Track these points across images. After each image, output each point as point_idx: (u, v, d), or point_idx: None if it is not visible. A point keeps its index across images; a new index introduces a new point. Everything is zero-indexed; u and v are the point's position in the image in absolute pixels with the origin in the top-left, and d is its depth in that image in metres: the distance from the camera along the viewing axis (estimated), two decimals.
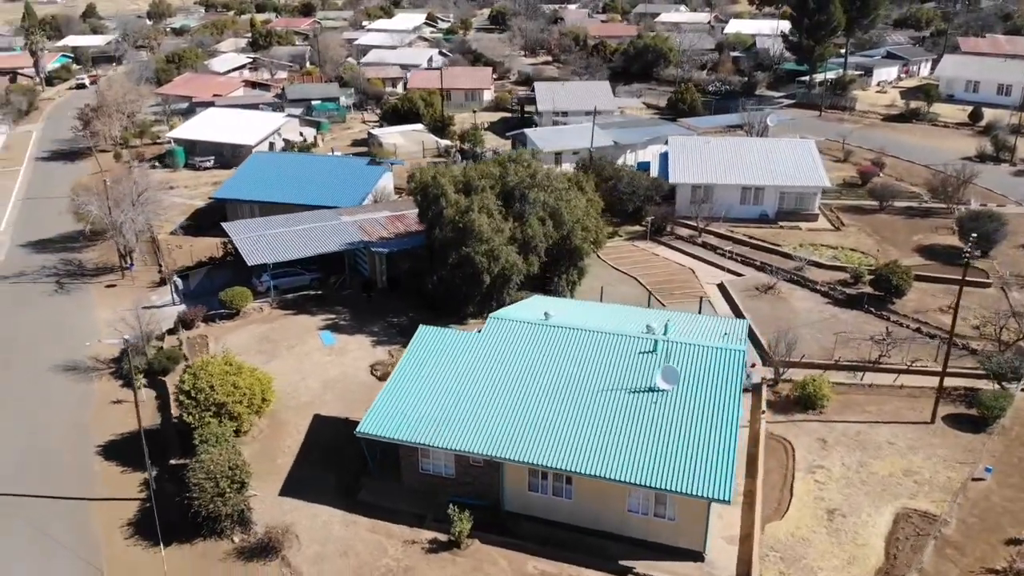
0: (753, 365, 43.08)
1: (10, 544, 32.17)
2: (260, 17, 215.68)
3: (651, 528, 31.20)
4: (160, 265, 58.50)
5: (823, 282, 53.10)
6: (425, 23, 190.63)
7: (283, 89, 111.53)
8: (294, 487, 34.57)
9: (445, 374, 35.33)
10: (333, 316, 49.58)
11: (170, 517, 32.45)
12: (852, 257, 56.79)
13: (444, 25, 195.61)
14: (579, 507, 31.95)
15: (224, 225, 55.99)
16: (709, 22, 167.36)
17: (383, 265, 52.22)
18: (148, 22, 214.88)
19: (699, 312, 46.80)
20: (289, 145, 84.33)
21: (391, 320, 48.58)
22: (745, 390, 41.44)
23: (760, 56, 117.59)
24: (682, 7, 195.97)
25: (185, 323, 48.53)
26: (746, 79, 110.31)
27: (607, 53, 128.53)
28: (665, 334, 36.31)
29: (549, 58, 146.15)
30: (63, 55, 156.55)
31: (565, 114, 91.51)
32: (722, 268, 56.60)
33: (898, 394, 41.63)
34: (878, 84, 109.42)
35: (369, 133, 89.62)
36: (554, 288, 49.25)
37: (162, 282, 55.75)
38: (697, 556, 30.58)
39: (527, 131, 79.10)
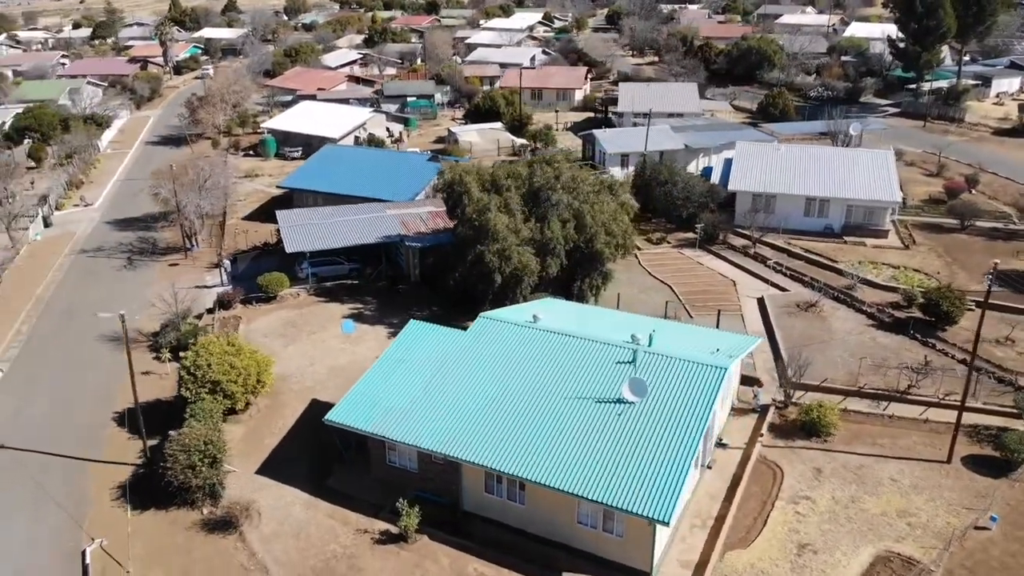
0: (760, 385, 41.05)
1: (12, 496, 35.09)
2: (385, 14, 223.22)
3: (600, 543, 30.44)
4: (220, 247, 61.82)
5: (872, 303, 49.83)
6: (540, 22, 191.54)
7: (382, 85, 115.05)
8: (271, 467, 35.93)
9: (421, 370, 35.70)
10: (360, 306, 50.97)
11: (157, 485, 34.35)
12: (912, 278, 52.93)
13: (561, 24, 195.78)
14: (531, 513, 31.57)
15: (277, 213, 58.61)
16: (831, 25, 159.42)
17: (416, 259, 53.14)
18: (284, 17, 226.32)
19: (716, 326, 44.97)
20: (373, 140, 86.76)
21: (413, 313, 49.16)
22: (752, 411, 39.84)
23: (871, 61, 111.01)
24: (809, 8, 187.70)
25: (223, 303, 51.19)
26: (851, 85, 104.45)
27: (711, 54, 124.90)
28: (650, 345, 35.20)
29: (655, 58, 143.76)
30: (194, 46, 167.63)
31: (646, 115, 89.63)
32: (768, 282, 54.13)
33: (920, 428, 38.61)
34: (996, 96, 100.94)
35: (449, 130, 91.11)
36: (577, 292, 48.58)
37: (218, 264, 58.89)
38: None
39: (596, 132, 78.28)
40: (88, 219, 71.40)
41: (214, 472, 33.57)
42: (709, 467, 36.13)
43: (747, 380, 42.08)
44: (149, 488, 34.37)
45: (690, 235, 60.88)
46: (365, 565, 30.51)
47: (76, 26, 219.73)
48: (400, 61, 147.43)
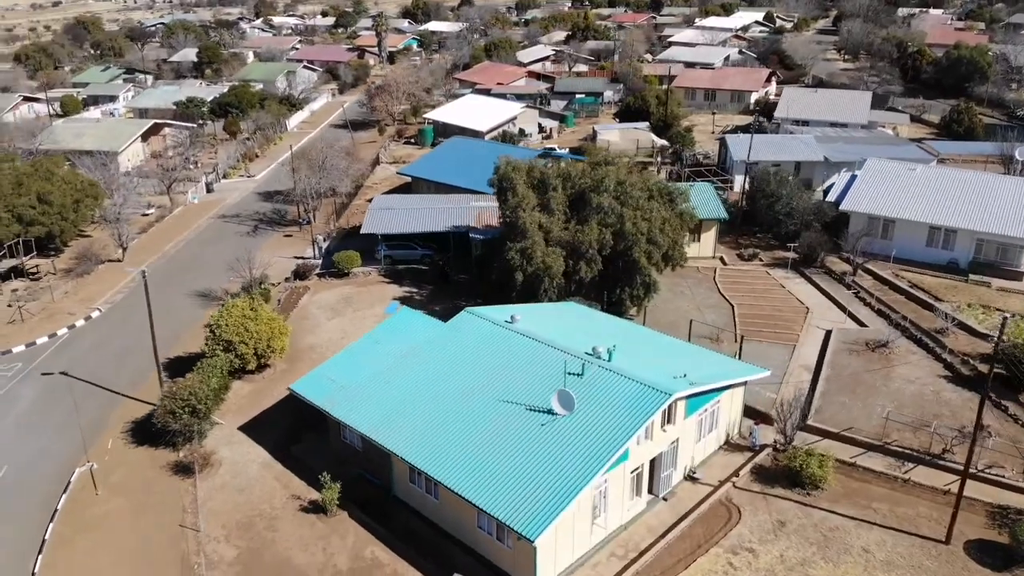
0: (757, 423, 37.47)
1: (50, 414, 40.94)
2: (606, 11, 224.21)
3: (494, 551, 29.90)
4: (331, 224, 66.64)
5: (958, 351, 43.41)
6: (758, 22, 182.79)
7: (554, 81, 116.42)
8: (253, 426, 38.84)
9: (388, 355, 36.73)
10: (415, 290, 52.89)
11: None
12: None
13: (783, 25, 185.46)
14: (443, 511, 31.65)
15: (375, 197, 62.11)
16: None
17: (477, 251, 54.04)
18: (507, 13, 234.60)
19: (738, 355, 41.48)
20: (506, 135, 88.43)
21: (458, 302, 50.31)
22: (748, 449, 36.70)
23: None
24: None
25: (299, 274, 55.45)
26: None
27: (922, 63, 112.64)
28: (609, 360, 33.59)
29: (867, 64, 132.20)
30: (412, 38, 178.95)
31: (805, 123, 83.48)
32: (850, 314, 48.85)
33: (935, 500, 33.44)
34: None
35: (593, 129, 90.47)
36: (616, 300, 46.99)
37: (314, 239, 63.61)
38: None
39: (728, 137, 74.16)
40: (244, 189, 79.83)
41: (194, 421, 37.00)
42: (665, 499, 33.88)
43: (759, 417, 38.59)
44: (150, 427, 38.56)
45: (790, 254, 56.25)
46: (281, 528, 32.31)
47: (324, 14, 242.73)
48: (593, 58, 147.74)
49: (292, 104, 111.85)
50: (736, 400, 37.16)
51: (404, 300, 51.37)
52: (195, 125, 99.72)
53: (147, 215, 71.80)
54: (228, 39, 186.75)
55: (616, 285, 46.80)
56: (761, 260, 56.74)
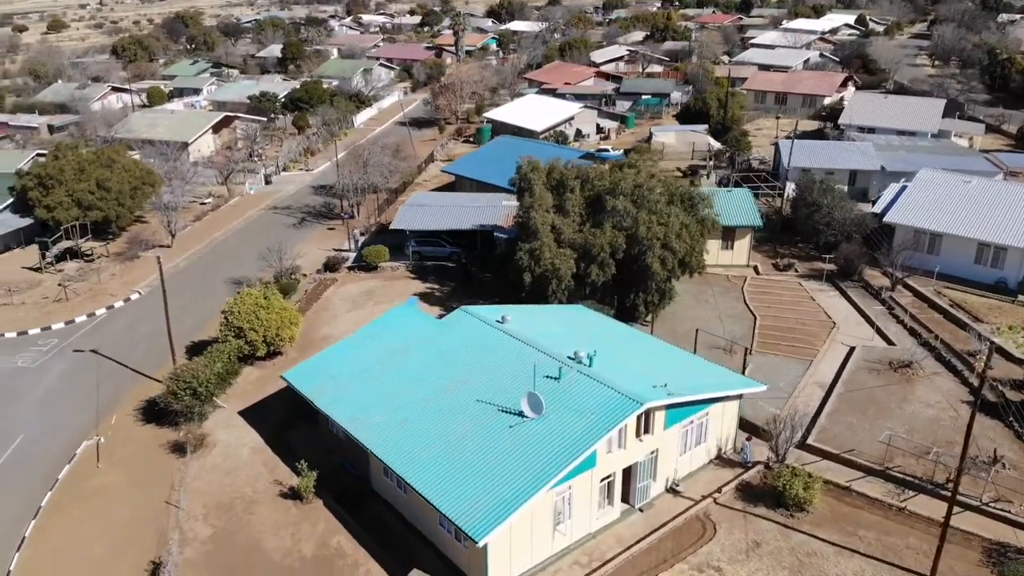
0: (749, 438, 36.18)
1: (73, 389, 43.14)
2: (691, 12, 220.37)
3: (452, 549, 29.95)
4: (375, 219, 67.86)
5: (990, 376, 40.81)
6: (848, 25, 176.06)
7: (620, 82, 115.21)
8: (253, 410, 40.01)
9: (380, 349, 37.22)
10: (436, 287, 53.35)
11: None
12: None
13: (875, 28, 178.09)
14: (411, 506, 31.86)
15: (413, 194, 62.95)
16: None
17: (500, 250, 53.99)
18: (591, 14, 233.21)
19: (742, 368, 40.12)
20: (559, 136, 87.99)
21: (476, 301, 50.44)
22: (740, 465, 35.58)
23: None
24: None
25: (329, 266, 56.75)
26: None
27: (1012, 71, 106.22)
28: (590, 365, 33.11)
29: (956, 70, 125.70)
30: (492, 38, 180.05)
31: (872, 130, 79.97)
32: (880, 331, 46.64)
33: (931, 531, 31.50)
34: None
35: (650, 131, 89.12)
36: (629, 305, 46.24)
37: (362, 233, 64.96)
38: None
39: (781, 142, 71.78)
40: (300, 182, 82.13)
41: (195, 402, 38.42)
42: (641, 510, 33.18)
43: (758, 432, 37.27)
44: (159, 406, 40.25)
45: (827, 266, 54.11)
46: (257, 511, 33.21)
47: (411, 13, 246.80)
48: (668, 59, 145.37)
49: (361, 101, 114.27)
50: (730, 414, 36.02)
51: (424, 296, 51.89)
52: (265, 119, 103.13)
53: (204, 204, 74.83)
54: (315, 36, 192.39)
55: (630, 290, 46.06)
56: (796, 271, 54.75)
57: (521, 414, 31.23)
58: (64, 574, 30.44)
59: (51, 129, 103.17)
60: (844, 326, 47.43)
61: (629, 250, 44.99)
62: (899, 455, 35.11)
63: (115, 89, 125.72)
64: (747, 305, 49.97)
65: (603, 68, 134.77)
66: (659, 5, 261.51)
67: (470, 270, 54.40)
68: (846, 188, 66.28)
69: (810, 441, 36.85)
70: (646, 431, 32.40)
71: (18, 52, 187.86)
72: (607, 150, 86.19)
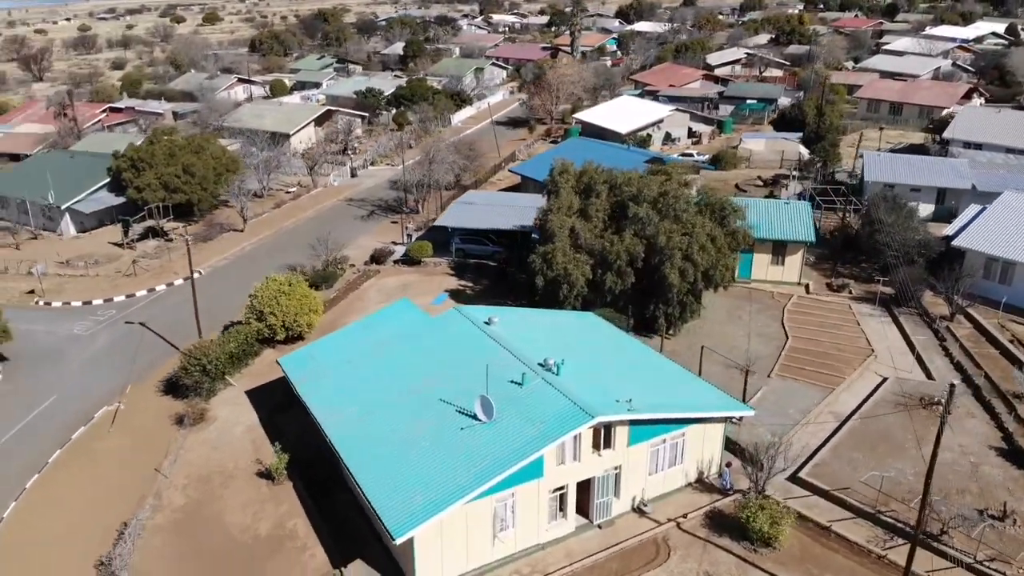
0: (728, 464, 34.25)
1: (113, 359, 46.42)
2: (832, 15, 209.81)
3: (393, 545, 30.17)
4: (437, 214, 68.97)
5: None
6: (996, 34, 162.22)
7: (726, 85, 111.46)
8: (258, 391, 41.76)
9: (370, 342, 37.97)
10: (471, 284, 53.71)
11: None
12: None
13: None
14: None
15: (467, 192, 63.66)
16: None
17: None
18: (725, 15, 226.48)
19: (742, 392, 37.93)
20: (642, 139, 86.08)
21: (504, 300, 50.49)
22: (720, 491, 33.95)
23: None
24: None
25: (376, 259, 58.29)
26: None
27: None
28: (557, 374, 32.46)
29: None
30: (613, 38, 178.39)
31: (979, 146, 73.60)
32: (922, 363, 43.09)
33: None
34: None
35: (741, 137, 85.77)
36: (649, 316, 44.87)
37: (417, 228, 66.28)
38: None
39: (866, 154, 67.31)
40: (382, 177, 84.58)
41: (204, 378, 40.58)
42: (600, 526, 32.24)
43: (745, 458, 35.34)
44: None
45: (882, 289, 50.47)
46: (232, 487, 34.75)
47: (541, 13, 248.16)
48: (788, 63, 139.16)
49: (462, 100, 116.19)
50: (712, 437, 34.30)
51: (456, 293, 52.41)
52: (367, 114, 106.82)
53: (289, 192, 78.57)
54: (441, 35, 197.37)
55: (650, 301, 44.68)
56: (850, 292, 51.28)
57: (474, 416, 31.08)
58: (44, 525, 32.98)
59: (175, 116, 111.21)
60: (885, 355, 44.04)
61: (649, 259, 43.66)
62: (895, 499, 32.36)
63: (241, 80, 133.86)
64: (783, 325, 47.31)
65: (718, 71, 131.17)
66: (802, 7, 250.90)
67: (507, 270, 54.38)
68: (932, 208, 61.55)
69: (802, 474, 34.55)
70: (607, 446, 31.45)
71: (169, 42, 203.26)
72: (692, 155, 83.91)
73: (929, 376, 42.00)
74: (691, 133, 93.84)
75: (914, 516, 31.50)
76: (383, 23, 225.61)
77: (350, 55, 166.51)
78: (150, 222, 65.74)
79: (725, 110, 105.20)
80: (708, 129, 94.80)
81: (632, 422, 31.26)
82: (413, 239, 62.82)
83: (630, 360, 37.03)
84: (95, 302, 54.21)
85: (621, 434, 31.38)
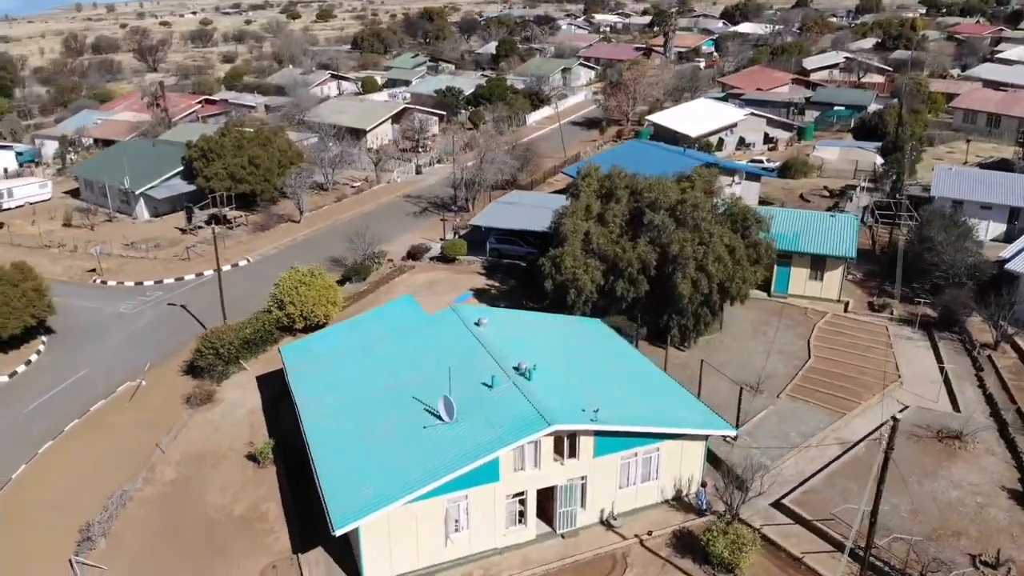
0: (704, 484, 32.99)
1: (151, 337, 49.07)
2: (951, 20, 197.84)
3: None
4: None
5: None
6: None
7: (813, 91, 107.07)
8: (268, 376, 43.14)
9: (366, 335, 38.70)
10: (497, 284, 53.82)
11: None
12: None
13: None
14: None
15: (512, 192, 63.85)
16: None
17: None
18: (844, 18, 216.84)
19: (736, 417, 36.30)
20: (704, 143, 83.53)
21: (524, 303, 50.33)
22: (696, 511, 32.92)
23: None
24: None
25: (412, 255, 59.23)
26: None
27: None
28: (528, 379, 32.19)
29: None
30: (710, 40, 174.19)
31: None
32: (950, 392, 40.35)
33: None
34: None
35: (814, 145, 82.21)
36: (663, 327, 43.79)
37: (465, 227, 66.82)
38: None
39: (937, 169, 63.24)
40: (444, 174, 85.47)
41: (217, 361, 42.39)
42: (563, 536, 31.80)
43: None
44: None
45: (923, 311, 47.49)
46: (220, 467, 36.18)
47: (644, 13, 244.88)
48: (891, 68, 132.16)
49: (540, 99, 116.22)
50: (692, 454, 33.17)
51: (480, 292, 52.66)
52: (444, 113, 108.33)
53: (354, 187, 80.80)
54: (538, 34, 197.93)
55: (664, 311, 43.58)
56: (892, 313, 48.41)
57: (437, 415, 31.24)
58: (45, 489, 35.25)
59: (267, 109, 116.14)
60: (912, 382, 41.39)
61: (663, 268, 42.59)
62: (883, 535, 30.41)
63: (334, 77, 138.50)
64: (809, 343, 45.15)
65: (814, 76, 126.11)
66: (923, 12, 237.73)
67: (532, 270, 54.23)
68: (1003, 228, 57.32)
69: (787, 500, 33.01)
70: (571, 455, 30.97)
71: (279, 37, 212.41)
72: (762, 161, 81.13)
73: (956, 408, 39.22)
74: (767, 139, 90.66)
75: (896, 555, 29.73)
76: (484, 22, 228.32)
77: (444, 54, 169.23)
78: (213, 210, 68.93)
79: (811, 116, 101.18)
80: (786, 135, 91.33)
81: (598, 433, 30.68)
82: (457, 237, 63.41)
83: (619, 370, 36.27)
84: (146, 283, 57.41)
85: (586, 444, 30.84)
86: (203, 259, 61.78)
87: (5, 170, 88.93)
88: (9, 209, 74.25)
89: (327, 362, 37.28)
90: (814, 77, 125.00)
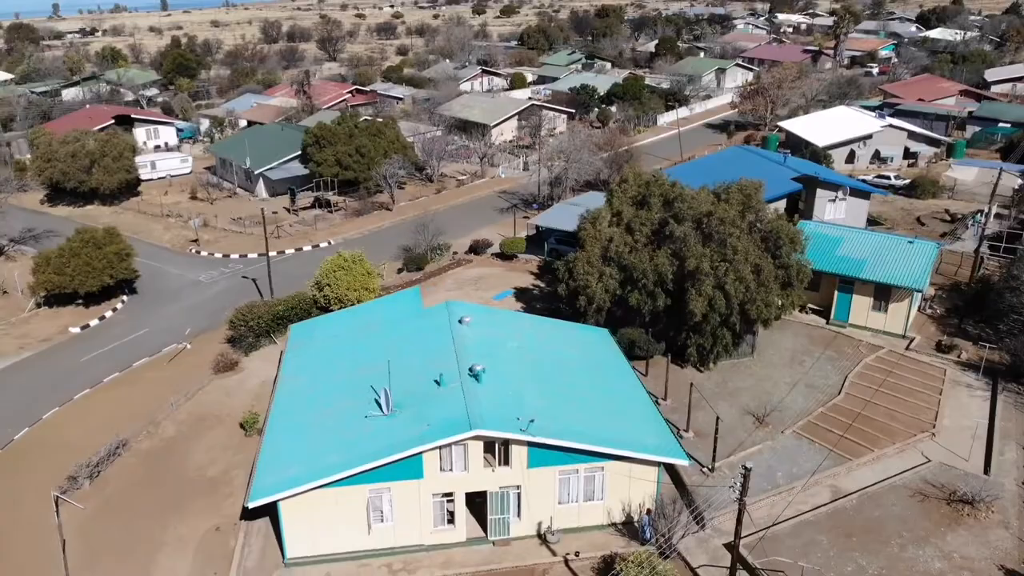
0: (648, 512, 31.11)
1: (196, 309, 52.87)
2: None
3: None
4: None
5: None
6: None
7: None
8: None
9: (364, 322, 39.90)
10: (542, 284, 53.37)
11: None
12: None
13: None
14: None
15: (586, 194, 63.13)
16: None
17: None
18: None
19: (713, 437, 33.89)
20: (819, 156, 77.28)
21: (555, 303, 49.45)
22: (641, 540, 31.53)
23: None
24: None
25: (474, 249, 59.98)
26: None
27: None
28: (478, 381, 31.95)
29: None
30: (891, 44, 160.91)
31: None
32: (988, 452, 35.61)
33: None
34: None
35: (950, 163, 74.16)
36: (681, 345, 41.71)
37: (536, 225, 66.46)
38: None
39: None
40: (547, 173, 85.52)
41: (248, 333, 45.31)
42: (494, 543, 31.38)
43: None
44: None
45: (988, 357, 42.09)
46: (214, 430, 38.72)
47: (831, 14, 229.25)
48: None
49: (677, 100, 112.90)
50: (644, 478, 31.49)
51: (523, 290, 52.57)
52: (573, 111, 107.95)
53: (460, 180, 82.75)
54: (708, 33, 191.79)
55: (682, 329, 41.48)
56: (959, 356, 43.12)
57: (379, 406, 31.81)
58: (66, 431, 39.24)
59: (414, 101, 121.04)
60: (949, 434, 36.82)
61: (681, 283, 40.51)
62: None
63: (485, 72, 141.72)
64: (845, 379, 41.20)
65: (995, 88, 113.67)
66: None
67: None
68: None
69: (741, 543, 30.51)
70: (504, 463, 30.47)
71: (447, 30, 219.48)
72: (888, 177, 74.52)
73: (986, 470, 34.47)
74: (908, 153, 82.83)
75: None
76: (651, 20, 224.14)
77: (604, 51, 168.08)
78: (317, 193, 73.14)
79: (971, 131, 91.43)
80: (931, 151, 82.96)
81: (531, 444, 29.95)
82: (521, 235, 63.35)
83: (592, 383, 35.03)
84: (232, 256, 62.07)
85: (518, 453, 30.22)
86: (291, 238, 65.85)
87: (166, 144, 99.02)
88: (150, 180, 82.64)
89: (317, 344, 38.89)
90: (995, 90, 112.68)
